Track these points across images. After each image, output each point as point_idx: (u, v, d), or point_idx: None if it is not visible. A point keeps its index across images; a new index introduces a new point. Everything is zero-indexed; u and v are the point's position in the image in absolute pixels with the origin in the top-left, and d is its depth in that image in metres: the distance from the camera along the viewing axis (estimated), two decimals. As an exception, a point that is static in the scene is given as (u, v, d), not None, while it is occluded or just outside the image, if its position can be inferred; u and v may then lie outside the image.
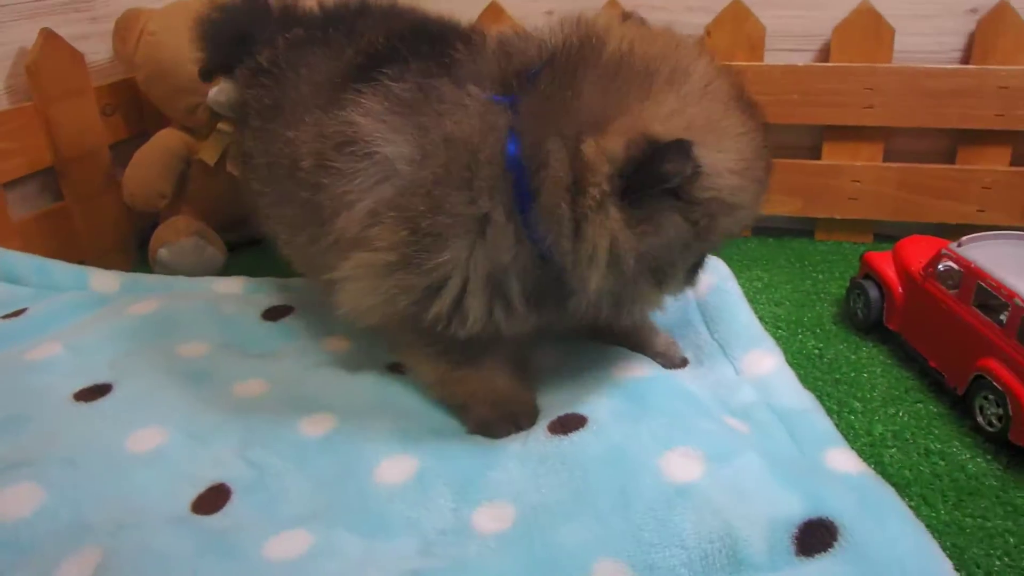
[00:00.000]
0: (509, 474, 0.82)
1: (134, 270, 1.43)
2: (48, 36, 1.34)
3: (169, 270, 1.39)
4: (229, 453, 0.88)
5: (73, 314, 1.15)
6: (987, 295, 0.98)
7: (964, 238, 1.06)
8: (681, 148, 0.73)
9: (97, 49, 1.49)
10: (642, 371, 0.96)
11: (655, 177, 0.74)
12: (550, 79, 0.80)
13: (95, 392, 0.96)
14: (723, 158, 0.78)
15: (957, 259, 1.03)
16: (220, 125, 1.42)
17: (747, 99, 0.84)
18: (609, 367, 0.96)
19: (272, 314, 1.16)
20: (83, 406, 0.93)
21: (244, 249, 1.48)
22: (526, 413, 0.91)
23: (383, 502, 0.81)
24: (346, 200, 0.85)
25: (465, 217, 0.80)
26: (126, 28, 1.42)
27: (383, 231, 0.83)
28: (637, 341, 1.03)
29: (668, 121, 0.76)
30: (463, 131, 0.81)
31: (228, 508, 0.81)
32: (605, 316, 0.86)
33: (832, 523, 0.72)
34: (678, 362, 1.03)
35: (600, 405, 0.89)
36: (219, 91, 1.38)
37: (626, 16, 0.92)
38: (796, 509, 0.73)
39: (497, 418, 0.90)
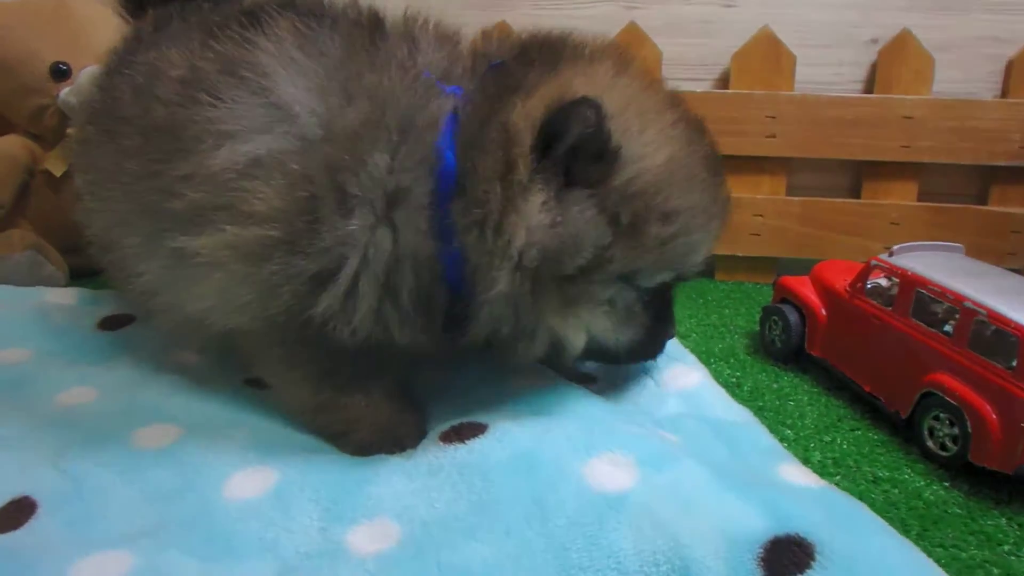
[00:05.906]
0: (393, 488, 0.69)
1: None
2: None
3: (0, 286, 1.21)
4: (39, 462, 0.71)
5: None
6: (926, 305, 0.90)
7: (895, 247, 0.99)
8: (586, 103, 0.65)
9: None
10: (544, 381, 0.82)
11: (559, 132, 0.66)
12: (508, 68, 0.73)
13: None
14: (647, 144, 0.69)
15: (891, 269, 0.95)
16: (70, 131, 1.27)
17: (692, 114, 0.79)
18: (505, 379, 0.83)
19: (110, 323, 1.00)
20: None
21: (89, 279, 1.26)
22: (412, 435, 0.77)
23: (231, 520, 0.66)
24: (219, 129, 0.70)
25: (381, 185, 0.68)
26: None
27: (267, 191, 0.67)
28: None
29: (594, 91, 0.68)
30: (396, 87, 0.70)
31: (31, 524, 0.66)
32: (500, 346, 0.74)
33: (804, 540, 0.59)
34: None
35: (501, 411, 0.76)
36: (71, 91, 1.25)
37: None
38: (757, 525, 0.61)
39: (380, 440, 0.76)
